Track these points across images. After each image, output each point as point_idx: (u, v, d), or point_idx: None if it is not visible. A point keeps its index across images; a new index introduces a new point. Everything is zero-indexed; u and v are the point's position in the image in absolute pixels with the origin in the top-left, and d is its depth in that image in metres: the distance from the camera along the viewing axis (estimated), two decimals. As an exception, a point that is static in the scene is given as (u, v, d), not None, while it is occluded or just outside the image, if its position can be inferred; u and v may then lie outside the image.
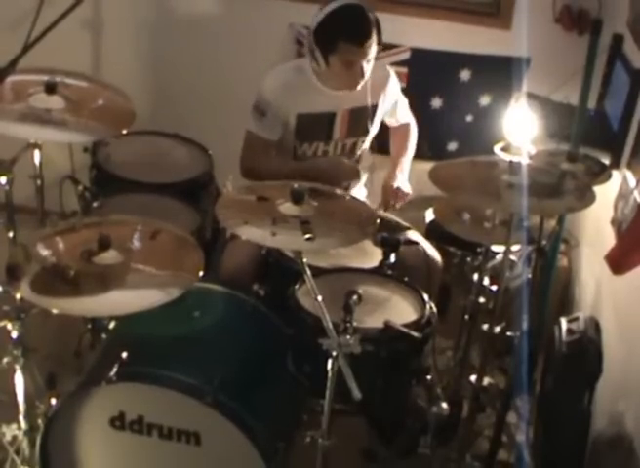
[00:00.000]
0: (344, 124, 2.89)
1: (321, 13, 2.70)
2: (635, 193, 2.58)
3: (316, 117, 2.85)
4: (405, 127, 3.13)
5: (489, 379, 2.65)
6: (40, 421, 2.26)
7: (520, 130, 2.91)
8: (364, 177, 3.08)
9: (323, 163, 2.86)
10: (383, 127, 3.06)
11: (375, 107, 2.93)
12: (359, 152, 2.99)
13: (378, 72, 2.82)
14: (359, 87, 2.77)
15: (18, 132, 2.35)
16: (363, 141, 2.97)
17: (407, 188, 2.91)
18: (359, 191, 3.04)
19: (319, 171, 2.76)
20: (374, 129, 2.98)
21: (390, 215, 2.90)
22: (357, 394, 2.01)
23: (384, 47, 2.81)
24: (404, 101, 3.10)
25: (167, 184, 2.90)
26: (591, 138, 2.91)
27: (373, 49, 2.70)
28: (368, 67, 2.72)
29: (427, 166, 2.43)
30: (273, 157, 2.88)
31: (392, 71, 3.01)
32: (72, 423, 2.21)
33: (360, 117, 2.90)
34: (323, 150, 2.91)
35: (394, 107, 3.04)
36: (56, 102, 2.43)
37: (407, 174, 2.99)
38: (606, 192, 2.70)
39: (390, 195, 2.88)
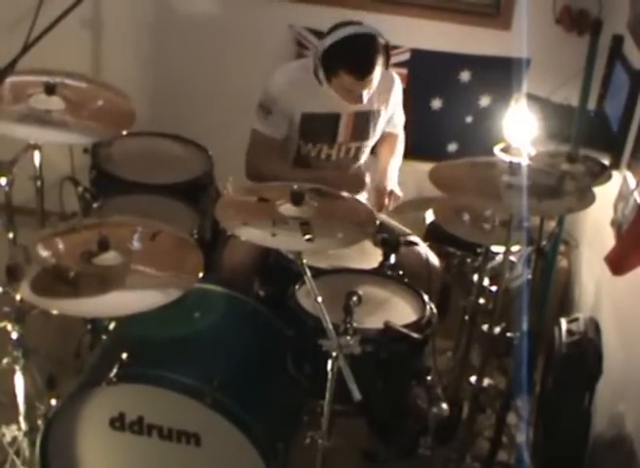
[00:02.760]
0: (349, 126, 2.88)
1: (332, 36, 2.67)
2: (635, 194, 2.58)
3: (321, 117, 2.84)
4: (395, 136, 3.10)
5: (489, 380, 2.65)
6: (40, 422, 2.25)
7: (520, 131, 2.91)
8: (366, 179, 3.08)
9: (329, 174, 2.79)
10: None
11: (379, 112, 2.93)
12: (363, 157, 2.99)
13: (384, 78, 2.78)
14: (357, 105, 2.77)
15: (17, 133, 2.34)
16: (367, 146, 2.97)
17: (399, 191, 2.91)
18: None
19: (325, 182, 2.61)
20: (377, 134, 2.97)
21: (391, 220, 2.89)
22: (357, 395, 2.00)
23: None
24: (401, 112, 3.09)
25: (167, 185, 2.90)
26: (591, 139, 2.91)
27: (376, 79, 2.68)
28: (368, 93, 2.72)
29: (427, 167, 2.43)
30: (279, 160, 2.87)
31: (397, 77, 3.00)
32: (72, 424, 2.21)
33: (365, 121, 2.90)
34: (327, 153, 2.90)
35: (393, 112, 3.03)
36: (55, 103, 2.43)
37: (396, 178, 2.98)
38: (606, 193, 2.70)
39: (384, 197, 2.87)
